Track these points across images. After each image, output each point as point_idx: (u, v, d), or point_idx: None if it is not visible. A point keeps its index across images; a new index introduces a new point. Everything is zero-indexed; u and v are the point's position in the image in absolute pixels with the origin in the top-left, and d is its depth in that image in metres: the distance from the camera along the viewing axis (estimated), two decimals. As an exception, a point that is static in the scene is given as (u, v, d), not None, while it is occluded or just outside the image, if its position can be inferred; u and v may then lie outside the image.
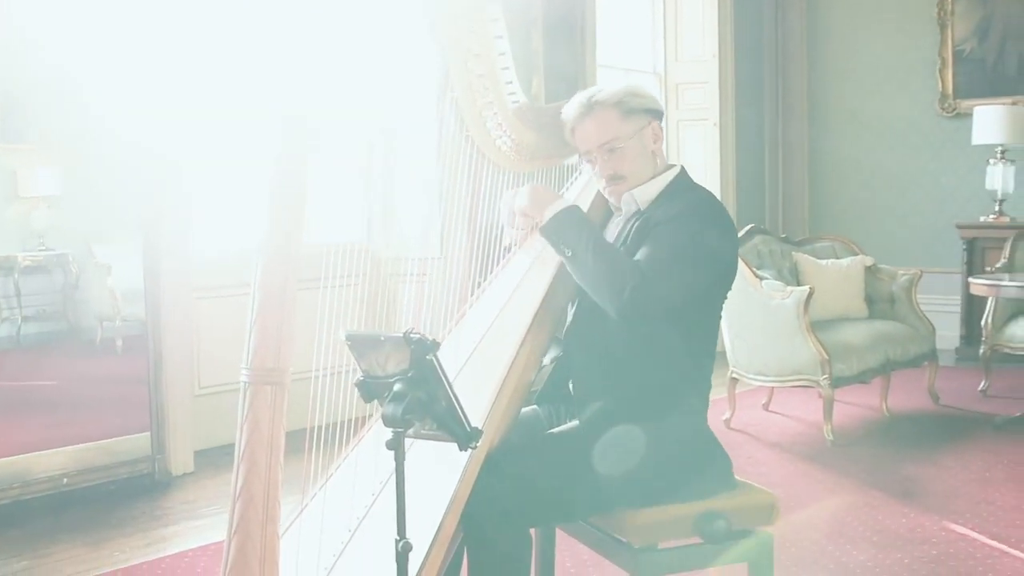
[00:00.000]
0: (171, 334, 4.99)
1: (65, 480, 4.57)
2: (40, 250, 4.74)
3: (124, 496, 4.68)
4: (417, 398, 1.99)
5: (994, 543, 3.89)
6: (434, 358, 1.97)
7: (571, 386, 2.63)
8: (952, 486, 4.61)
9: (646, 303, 2.43)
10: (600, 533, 2.61)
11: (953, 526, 4.09)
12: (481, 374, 2.56)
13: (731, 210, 8.30)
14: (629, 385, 2.54)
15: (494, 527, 2.34)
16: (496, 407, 2.43)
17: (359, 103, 3.20)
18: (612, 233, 2.71)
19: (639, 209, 2.64)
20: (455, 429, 2.03)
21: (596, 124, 2.63)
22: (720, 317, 2.71)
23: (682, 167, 2.71)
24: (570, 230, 2.53)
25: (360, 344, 2.05)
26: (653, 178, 2.64)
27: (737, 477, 2.69)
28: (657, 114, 2.67)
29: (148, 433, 4.90)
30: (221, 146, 5.83)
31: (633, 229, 2.58)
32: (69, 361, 4.95)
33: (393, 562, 2.07)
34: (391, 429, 1.99)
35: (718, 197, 3.08)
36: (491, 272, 2.95)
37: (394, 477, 2.39)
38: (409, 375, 1.99)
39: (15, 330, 4.70)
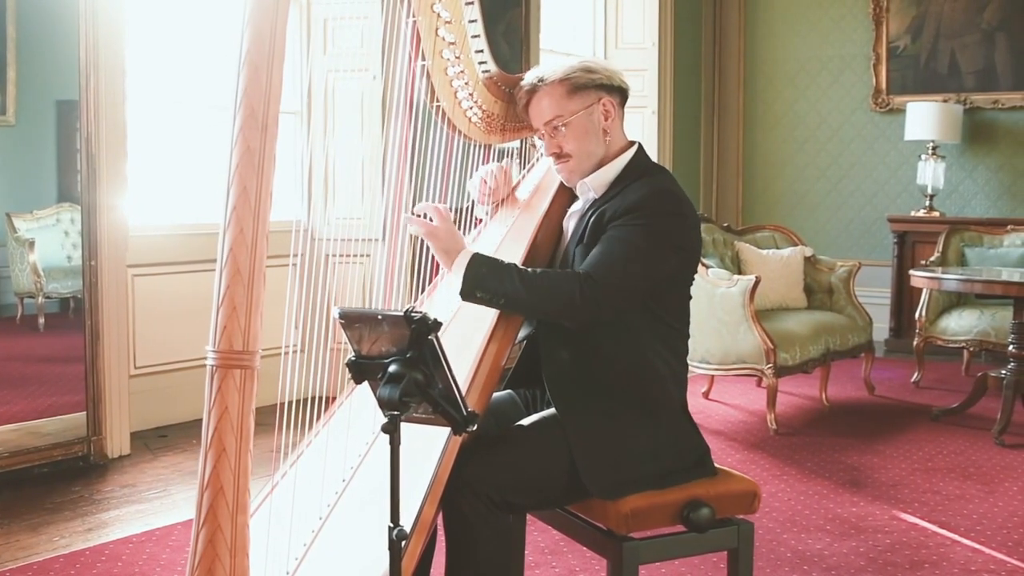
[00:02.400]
0: (108, 311, 4.82)
1: (-4, 461, 4.39)
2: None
3: (59, 479, 4.52)
4: (415, 380, 1.91)
5: (944, 532, 3.93)
6: (435, 339, 1.89)
7: (544, 372, 2.56)
8: (897, 475, 4.66)
9: (601, 308, 2.39)
10: (579, 521, 2.56)
11: (903, 515, 4.12)
12: (453, 355, 2.47)
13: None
14: (602, 372, 2.49)
15: (476, 514, 2.30)
16: (472, 390, 2.36)
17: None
18: (570, 225, 2.65)
19: (596, 197, 2.58)
20: (451, 413, 1.95)
21: (543, 101, 2.57)
22: (689, 300, 2.65)
23: (639, 146, 2.64)
24: (489, 280, 2.39)
25: (354, 322, 1.96)
26: (606, 161, 2.58)
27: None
28: (613, 90, 2.59)
29: (82, 414, 4.73)
30: (163, 117, 5.67)
31: (590, 222, 2.52)
32: (-13, 339, 4.77)
33: (368, 549, 2.04)
34: (386, 412, 1.90)
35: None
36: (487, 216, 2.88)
37: (367, 461, 2.35)
38: (408, 356, 1.91)
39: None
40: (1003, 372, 5.44)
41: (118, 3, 4.77)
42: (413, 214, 2.48)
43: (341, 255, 5.34)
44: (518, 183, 2.95)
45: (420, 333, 1.89)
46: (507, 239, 2.70)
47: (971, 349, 6.61)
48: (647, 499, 2.43)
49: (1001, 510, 4.19)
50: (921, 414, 5.83)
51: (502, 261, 2.46)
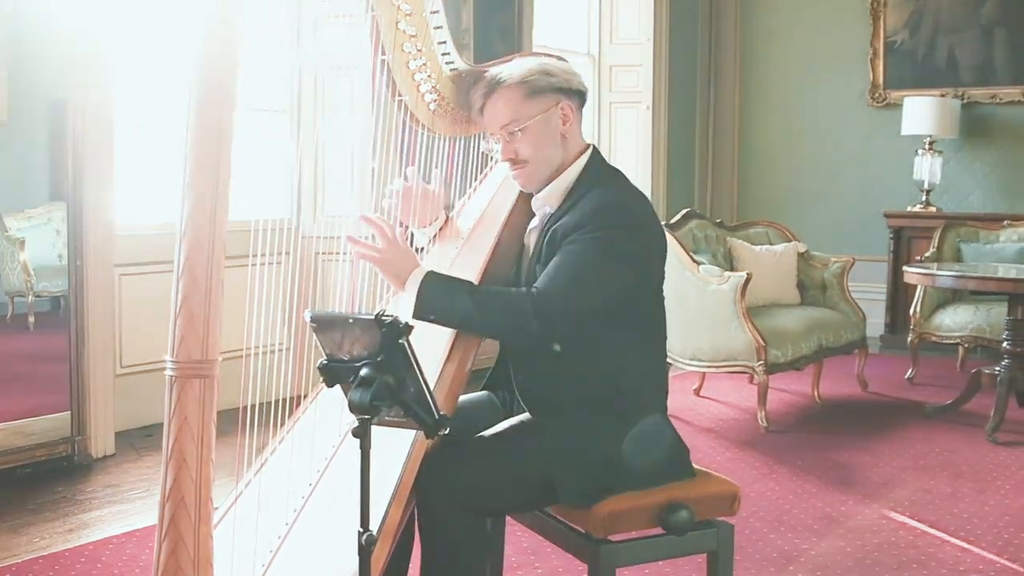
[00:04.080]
0: (94, 311, 4.80)
1: (-22, 463, 4.37)
2: (-53, 223, 4.53)
3: (43, 479, 4.49)
4: (386, 384, 1.89)
5: (934, 531, 3.91)
6: (406, 342, 1.87)
7: (514, 380, 2.53)
8: (888, 474, 4.64)
9: (555, 328, 2.36)
10: (557, 523, 2.54)
11: (892, 514, 4.10)
12: (421, 356, 2.45)
13: (661, 194, 8.32)
14: (573, 378, 2.45)
15: (450, 517, 2.28)
16: (439, 391, 2.32)
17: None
18: (531, 241, 2.60)
19: (551, 212, 2.52)
20: (423, 417, 1.93)
21: (498, 105, 2.49)
22: (662, 301, 2.60)
23: (593, 150, 2.57)
24: (441, 302, 2.35)
25: (325, 326, 1.93)
26: (563, 168, 2.52)
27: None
28: (571, 93, 2.52)
29: (67, 413, 4.70)
30: (147, 113, 5.64)
31: (545, 241, 2.47)
32: (-23, 338, 4.74)
33: (335, 555, 2.02)
34: (357, 416, 1.88)
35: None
36: (429, 243, 2.83)
37: (332, 465, 2.33)
38: (378, 359, 1.89)
39: (-82, 306, 4.50)
40: (997, 369, 5.42)
41: (106, 5, 4.75)
42: (357, 233, 2.43)
43: (330, 252, 5.33)
44: (470, 193, 2.91)
45: (391, 337, 1.87)
46: (464, 251, 2.66)
47: (966, 345, 6.59)
48: (625, 502, 2.41)
49: (992, 509, 4.17)
50: (914, 411, 5.81)
51: (456, 281, 2.41)
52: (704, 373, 5.95)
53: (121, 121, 5.09)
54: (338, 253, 2.58)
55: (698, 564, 3.43)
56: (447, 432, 1.96)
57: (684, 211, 6.17)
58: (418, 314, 2.34)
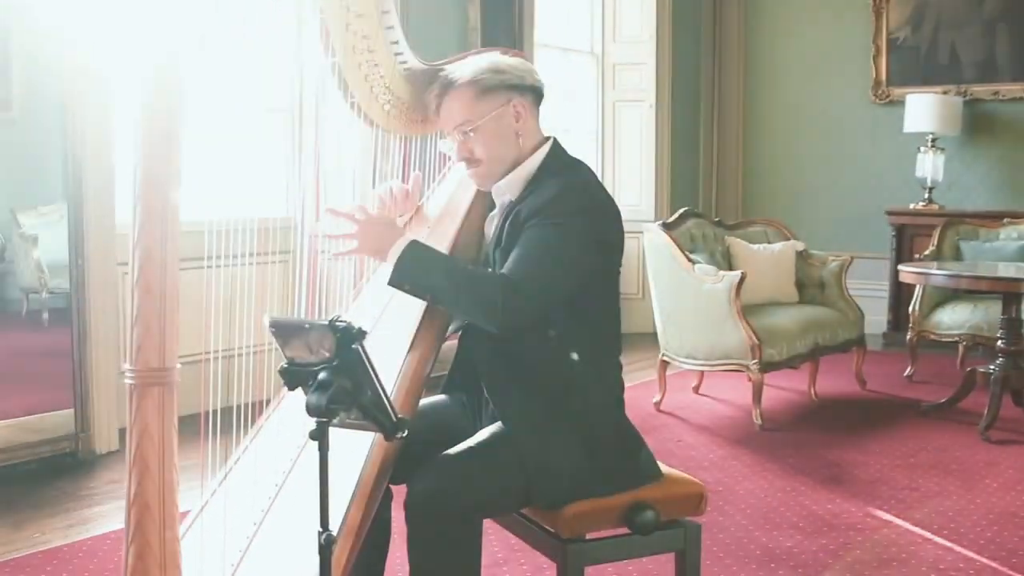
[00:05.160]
0: (96, 308, 4.86)
1: (-16, 458, 4.45)
2: (-38, 220, 4.61)
3: (46, 475, 4.57)
4: (342, 387, 1.94)
5: (917, 529, 3.94)
6: (360, 347, 1.92)
7: (483, 385, 2.56)
8: (877, 472, 4.66)
9: (523, 312, 2.37)
10: (529, 523, 2.58)
11: (878, 512, 4.13)
12: (384, 352, 2.47)
13: (665, 192, 8.35)
14: (530, 379, 2.47)
15: (436, 526, 2.31)
16: (397, 392, 2.37)
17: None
18: (491, 229, 2.63)
19: (511, 200, 2.55)
20: (381, 419, 1.98)
21: (451, 105, 2.52)
22: (617, 299, 2.64)
23: (554, 142, 2.59)
24: (417, 274, 2.40)
25: (284, 331, 1.98)
26: (519, 163, 2.54)
27: (662, 464, 2.67)
28: (524, 90, 2.53)
29: (71, 410, 4.78)
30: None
31: (507, 224, 2.50)
32: (-7, 334, 4.83)
33: (301, 555, 2.04)
34: (315, 419, 1.93)
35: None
36: None
37: (297, 466, 2.37)
38: (334, 364, 1.94)
39: (-64, 302, 4.59)
40: (991, 367, 5.43)
41: (105, 8, 4.81)
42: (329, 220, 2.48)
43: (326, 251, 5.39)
44: (433, 187, 2.94)
45: (345, 341, 1.91)
46: (432, 236, 2.68)
47: (966, 343, 6.60)
48: (591, 503, 2.44)
49: (978, 507, 4.19)
50: (910, 409, 5.83)
51: (435, 254, 2.45)
52: (702, 371, 5.98)
53: (122, 119, 5.15)
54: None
55: (669, 560, 3.50)
56: (406, 434, 2.01)
57: (682, 210, 6.20)
58: (393, 281, 2.40)
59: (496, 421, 2.52)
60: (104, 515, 4.09)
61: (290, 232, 2.66)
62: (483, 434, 2.50)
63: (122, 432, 5.04)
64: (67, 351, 4.78)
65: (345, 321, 1.91)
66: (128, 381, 1.87)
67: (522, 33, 7.29)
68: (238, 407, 2.40)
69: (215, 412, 2.29)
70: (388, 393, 1.98)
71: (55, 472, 4.61)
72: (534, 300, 2.38)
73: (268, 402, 2.60)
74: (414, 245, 2.42)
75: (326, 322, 1.91)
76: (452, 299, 2.42)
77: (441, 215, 2.81)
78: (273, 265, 2.56)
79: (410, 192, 2.81)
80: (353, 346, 1.91)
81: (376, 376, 1.95)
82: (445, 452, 2.42)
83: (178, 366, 1.89)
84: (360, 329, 1.91)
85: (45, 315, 4.86)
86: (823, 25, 8.54)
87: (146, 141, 1.84)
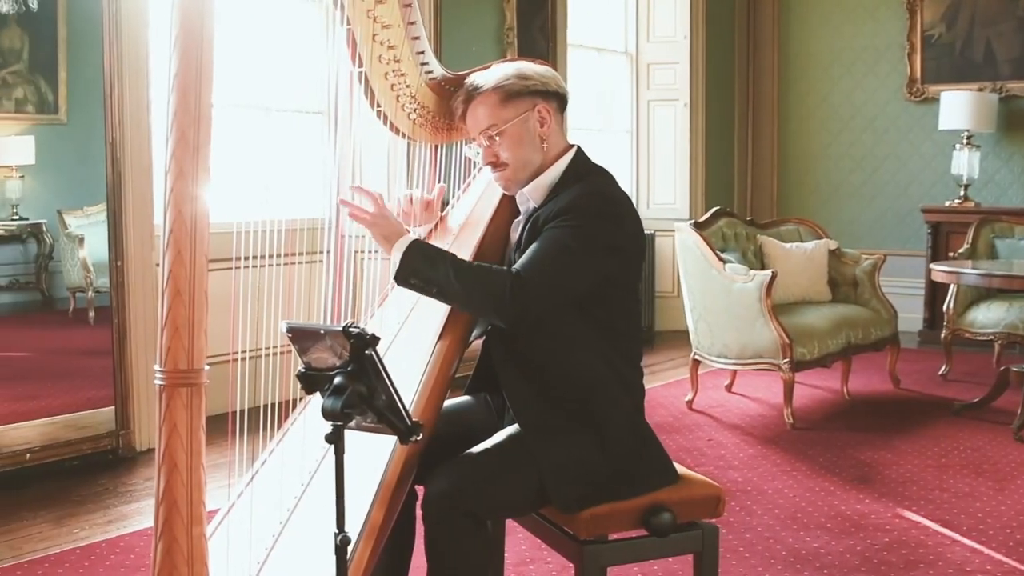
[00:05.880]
0: (135, 308, 4.96)
1: (28, 455, 4.55)
2: (14, 220, 4.74)
3: (87, 472, 4.67)
4: (357, 392, 1.98)
5: (945, 531, 3.92)
6: (373, 352, 1.96)
7: (502, 388, 2.59)
8: (908, 471, 4.65)
9: (530, 306, 2.41)
10: (548, 524, 2.61)
11: (906, 512, 4.12)
12: (405, 359, 2.53)
13: (700, 191, 8.34)
14: (549, 383, 2.50)
15: (451, 523, 2.35)
16: (420, 395, 2.41)
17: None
18: (516, 235, 2.66)
19: (535, 206, 2.59)
20: (395, 423, 2.02)
21: (477, 110, 2.57)
22: (638, 305, 2.65)
23: (578, 149, 2.64)
24: (423, 268, 2.43)
25: (301, 336, 2.03)
26: (544, 168, 2.58)
27: (688, 464, 2.70)
28: (549, 95, 2.58)
29: (112, 408, 4.88)
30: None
31: (527, 229, 2.54)
32: (42, 332, 4.97)
33: (325, 554, 2.07)
34: (330, 422, 1.98)
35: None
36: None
37: (322, 468, 2.42)
38: (349, 369, 1.98)
39: (-10, 300, 4.71)
40: (1025, 366, 5.40)
41: (140, 9, 4.90)
42: (350, 197, 2.52)
43: (369, 251, 5.45)
44: (459, 196, 2.98)
45: (358, 347, 1.96)
46: (455, 245, 2.73)
47: (1001, 342, 6.54)
48: (608, 505, 2.47)
49: (1008, 508, 4.17)
50: (943, 408, 5.80)
51: (440, 250, 2.49)
52: (735, 370, 5.98)
53: (159, 121, 5.23)
54: (374, 252, 2.68)
55: (689, 562, 3.52)
56: (419, 438, 2.05)
57: (713, 209, 6.21)
58: (400, 278, 2.44)
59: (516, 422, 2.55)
60: (141, 511, 4.17)
61: (318, 233, 2.69)
62: (500, 435, 2.54)
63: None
64: (109, 349, 4.89)
65: (359, 327, 1.95)
66: (157, 382, 1.93)
67: (555, 33, 7.33)
68: (265, 407, 2.45)
69: (242, 412, 2.35)
70: (403, 397, 2.02)
71: (96, 469, 4.70)
72: (542, 295, 2.41)
73: (294, 403, 2.66)
74: (419, 242, 2.47)
75: (340, 328, 1.96)
76: (459, 292, 2.44)
77: (464, 224, 2.85)
78: (301, 266, 2.60)
79: (432, 203, 2.85)
80: (367, 352, 1.95)
81: (390, 381, 1.99)
82: (462, 453, 2.46)
83: (206, 368, 1.94)
84: (373, 335, 1.95)
85: (91, 313, 4.98)
86: (857, 23, 8.49)
87: (176, 143, 1.90)
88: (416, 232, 2.88)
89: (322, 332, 1.99)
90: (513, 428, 2.56)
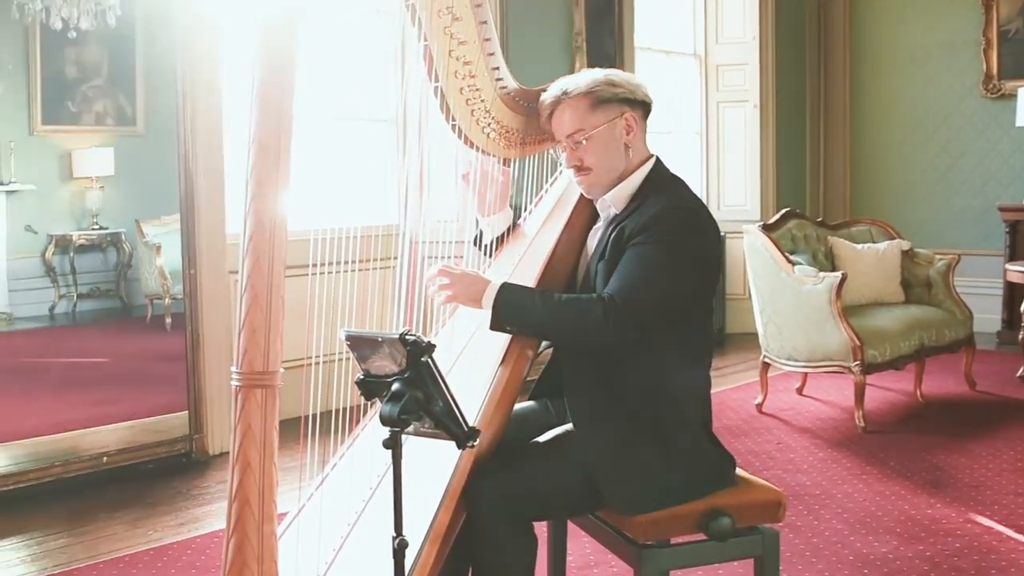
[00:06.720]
0: (208, 315, 5.08)
1: (105, 459, 4.69)
2: (94, 229, 4.89)
3: (161, 475, 4.79)
4: (414, 398, 2.02)
5: (1019, 536, 3.86)
6: (429, 360, 2.00)
7: (564, 390, 2.62)
8: (982, 476, 4.58)
9: (628, 326, 2.43)
10: (606, 527, 2.63)
11: (979, 518, 4.06)
12: (475, 367, 2.58)
13: (771, 192, 8.28)
14: (619, 392, 2.53)
15: (495, 523, 2.38)
16: (488, 402, 2.44)
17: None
18: (594, 241, 2.69)
19: (616, 213, 2.62)
20: (453, 429, 2.06)
21: (565, 114, 2.61)
22: (711, 315, 2.68)
23: (657, 159, 2.67)
24: (515, 314, 2.48)
25: (359, 344, 2.08)
26: (626, 175, 2.62)
27: (751, 469, 2.69)
28: (635, 104, 2.62)
29: (186, 412, 5.01)
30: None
31: (611, 239, 2.56)
32: (121, 339, 5.11)
33: (390, 558, 2.11)
34: (388, 428, 2.03)
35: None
36: (484, 263, 2.94)
37: (390, 472, 2.46)
38: (406, 375, 2.02)
39: (71, 307, 4.87)
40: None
41: (214, 24, 5.02)
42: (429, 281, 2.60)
43: (435, 256, 5.52)
44: (537, 201, 3.02)
45: (415, 355, 2.00)
46: (527, 255, 2.78)
47: (1082, 342, 6.40)
48: (667, 509, 2.48)
49: (1085, 513, 4.09)
50: (1021, 411, 5.69)
51: (528, 290, 2.54)
52: (806, 373, 5.93)
53: (230, 131, 5.34)
54: (442, 257, 2.74)
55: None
56: (476, 443, 2.09)
57: (783, 211, 6.16)
58: (495, 326, 2.49)
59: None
60: (213, 514, 4.27)
61: (392, 239, 2.76)
62: (548, 435, 2.58)
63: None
64: (183, 355, 5.01)
65: (415, 335, 2.00)
66: (234, 383, 2.00)
67: (623, 37, 7.34)
68: (337, 412, 2.49)
69: (315, 416, 2.41)
70: (467, 404, 2.06)
71: (170, 472, 4.83)
72: (638, 315, 2.44)
73: (365, 408, 2.71)
74: (505, 288, 2.51)
75: (397, 335, 2.00)
76: (555, 328, 2.50)
77: (542, 226, 2.89)
78: (375, 272, 2.66)
79: (500, 180, 2.87)
80: (423, 359, 2.00)
81: (447, 387, 2.03)
82: (510, 454, 2.48)
83: (281, 370, 2.01)
84: (429, 343, 1.99)
85: (168, 320, 5.12)
86: (931, 19, 8.36)
87: (257, 153, 1.98)
88: (488, 223, 2.92)
89: (380, 340, 2.03)
90: (561, 428, 2.60)
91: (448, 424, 2.05)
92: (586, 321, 2.44)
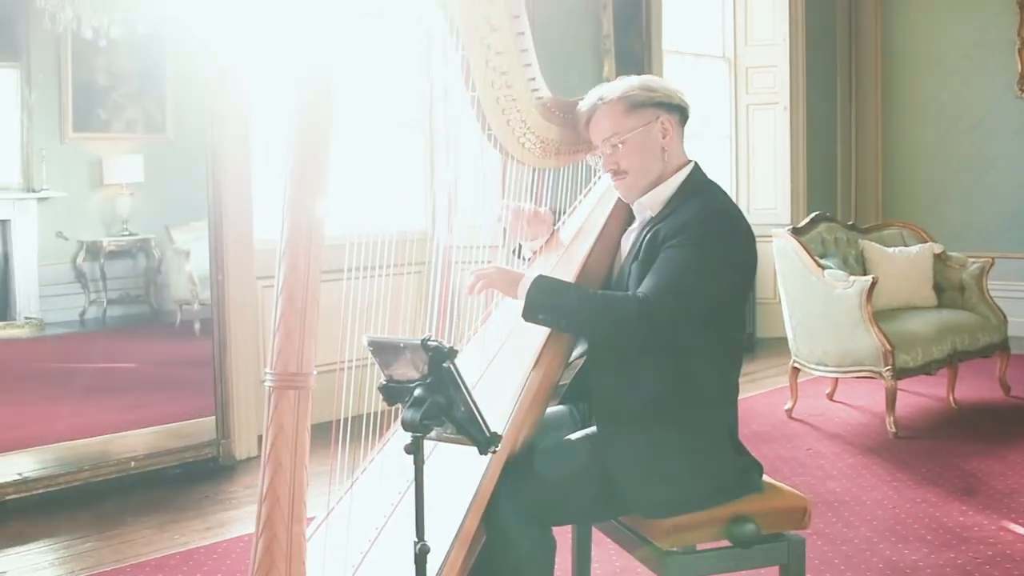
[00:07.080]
0: (236, 321, 5.09)
1: (133, 463, 4.72)
2: (124, 235, 4.94)
3: (189, 480, 4.81)
4: (436, 404, 2.02)
5: (1053, 544, 3.81)
6: (451, 365, 2.00)
7: (591, 392, 2.62)
8: (1015, 482, 4.52)
9: (658, 329, 2.43)
10: (630, 533, 2.62)
11: (1012, 526, 4.00)
12: (506, 373, 2.58)
13: (801, 195, 8.23)
14: (646, 395, 2.51)
15: (515, 527, 2.37)
16: (519, 408, 2.44)
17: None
18: (628, 243, 2.69)
19: (652, 216, 2.62)
20: (474, 434, 2.06)
21: (602, 119, 2.62)
22: (743, 320, 2.68)
23: (695, 164, 2.67)
24: (549, 303, 2.49)
25: (381, 350, 2.08)
26: (663, 179, 2.62)
27: (776, 475, 2.67)
28: (672, 108, 2.62)
29: (214, 417, 5.03)
30: (282, 127, 5.91)
31: (645, 240, 2.56)
32: (150, 344, 5.15)
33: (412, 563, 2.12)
34: (410, 433, 2.03)
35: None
36: (534, 254, 2.96)
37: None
38: (428, 381, 2.02)
39: (101, 313, 4.92)
40: None
41: (242, 31, 5.04)
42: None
43: (465, 261, 5.53)
44: (575, 206, 3.02)
45: (436, 361, 2.00)
46: (563, 259, 2.78)
47: (1119, 347, 6.32)
48: (690, 515, 2.47)
49: (1121, 521, 4.03)
50: (1056, 417, 5.62)
51: (564, 282, 2.55)
52: (837, 378, 5.88)
53: (258, 137, 5.37)
54: (471, 262, 2.75)
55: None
56: (498, 449, 2.08)
57: (813, 214, 6.12)
58: (527, 315, 2.50)
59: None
60: (240, 518, 4.28)
61: (426, 244, 2.77)
62: (569, 439, 2.57)
63: (260, 439, 5.27)
64: (211, 360, 5.03)
65: (437, 340, 2.00)
66: (267, 384, 2.02)
67: (651, 39, 7.32)
68: (368, 416, 2.50)
69: (346, 420, 2.42)
70: (490, 410, 2.06)
71: (197, 476, 4.85)
72: (670, 316, 2.43)
73: (396, 412, 2.71)
74: (541, 277, 2.52)
75: (419, 341, 2.00)
76: (588, 323, 2.51)
77: (578, 231, 2.90)
78: (409, 276, 2.67)
79: (542, 216, 2.92)
80: (444, 364, 1.99)
81: (469, 393, 2.03)
82: (531, 457, 2.47)
83: (314, 372, 2.02)
84: (451, 348, 2.00)
85: (196, 325, 5.15)
86: (964, 20, 8.29)
87: (296, 161, 2.02)
88: (527, 247, 2.94)
89: (402, 346, 2.04)
90: (582, 432, 2.59)
91: (470, 429, 2.05)
92: (619, 317, 2.44)
